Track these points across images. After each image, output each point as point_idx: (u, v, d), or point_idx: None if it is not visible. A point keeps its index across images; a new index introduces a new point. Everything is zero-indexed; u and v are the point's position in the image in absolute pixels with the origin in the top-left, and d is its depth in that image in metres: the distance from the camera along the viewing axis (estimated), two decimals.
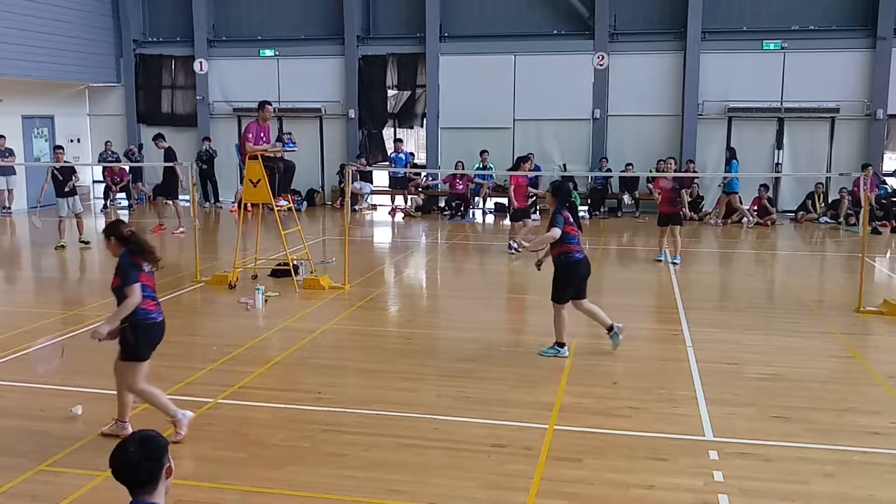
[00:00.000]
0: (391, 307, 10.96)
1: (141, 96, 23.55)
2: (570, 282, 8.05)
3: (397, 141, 21.81)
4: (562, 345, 8.08)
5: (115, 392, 5.96)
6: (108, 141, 22.25)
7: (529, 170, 15.11)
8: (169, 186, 17.34)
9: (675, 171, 16.38)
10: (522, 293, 11.91)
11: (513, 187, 14.41)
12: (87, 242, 15.08)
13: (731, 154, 19.50)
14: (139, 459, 2.95)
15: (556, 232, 7.90)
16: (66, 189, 14.82)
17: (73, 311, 10.21)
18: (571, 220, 8.13)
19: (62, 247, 14.75)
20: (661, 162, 18.43)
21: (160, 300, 6.11)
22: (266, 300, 10.40)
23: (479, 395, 6.97)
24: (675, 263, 13.40)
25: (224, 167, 22.14)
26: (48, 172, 15.00)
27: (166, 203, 17.73)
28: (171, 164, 16.50)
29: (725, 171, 19.39)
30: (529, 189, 15.32)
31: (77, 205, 15.08)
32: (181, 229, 16.40)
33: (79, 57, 21.48)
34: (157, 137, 17.53)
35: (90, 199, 22.44)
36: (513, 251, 13.96)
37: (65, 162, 15.44)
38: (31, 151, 21.18)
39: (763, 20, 19.98)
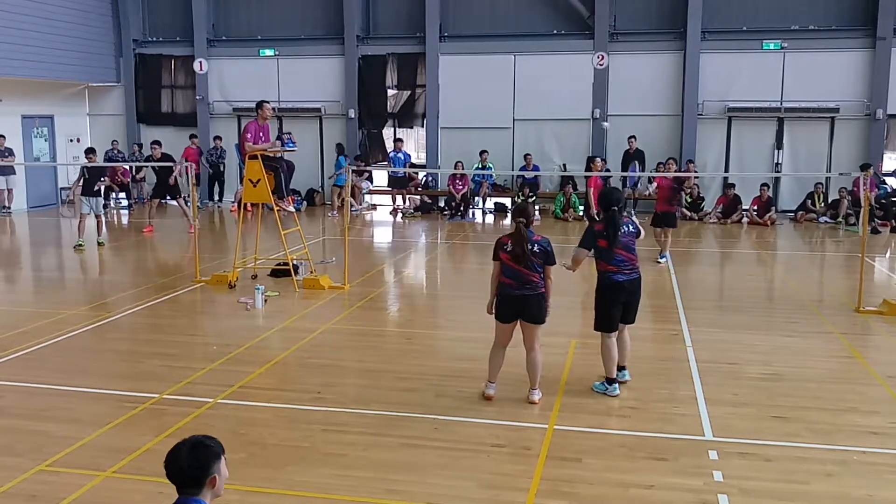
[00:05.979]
0: (391, 307, 10.96)
1: (141, 96, 23.51)
2: None
3: (397, 140, 21.80)
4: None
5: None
6: (114, 140, 22.19)
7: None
8: (166, 187, 17.51)
9: (676, 171, 16.22)
10: None
11: (659, 188, 14.41)
12: (101, 244, 15.19)
13: (339, 150, 20.80)
14: (184, 466, 3.08)
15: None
16: (94, 189, 15.21)
17: (73, 311, 10.20)
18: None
19: (80, 246, 14.69)
20: (661, 165, 18.39)
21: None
22: (266, 300, 10.40)
23: (479, 395, 6.96)
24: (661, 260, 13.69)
25: (225, 167, 22.10)
26: (81, 172, 15.33)
27: (164, 203, 17.78)
28: (168, 165, 16.67)
29: (335, 168, 20.50)
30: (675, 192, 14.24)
31: (99, 205, 15.39)
32: (192, 228, 16.45)
33: (78, 56, 21.45)
34: (155, 143, 18.33)
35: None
36: (663, 258, 13.82)
37: (96, 163, 15.72)
38: (31, 151, 21.15)
39: (763, 20, 19.97)
